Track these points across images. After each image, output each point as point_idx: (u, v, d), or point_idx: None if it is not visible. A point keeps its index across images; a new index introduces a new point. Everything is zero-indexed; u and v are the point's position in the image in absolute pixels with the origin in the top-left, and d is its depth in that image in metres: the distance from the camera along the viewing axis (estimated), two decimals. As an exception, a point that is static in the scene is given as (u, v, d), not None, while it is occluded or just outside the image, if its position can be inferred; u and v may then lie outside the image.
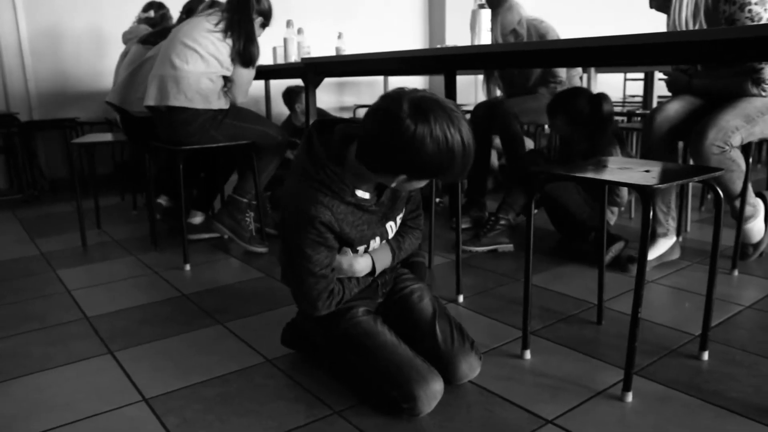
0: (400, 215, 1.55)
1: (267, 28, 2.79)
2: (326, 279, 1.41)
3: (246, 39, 2.63)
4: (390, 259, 1.55)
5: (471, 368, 1.48)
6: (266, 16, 2.72)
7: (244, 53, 2.62)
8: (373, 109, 1.27)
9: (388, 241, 1.54)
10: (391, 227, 1.52)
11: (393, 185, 1.35)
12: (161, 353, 1.73)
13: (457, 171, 1.27)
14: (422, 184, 1.37)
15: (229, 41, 2.57)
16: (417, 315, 1.53)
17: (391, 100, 1.24)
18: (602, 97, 2.56)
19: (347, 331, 1.46)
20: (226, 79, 2.63)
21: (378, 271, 1.53)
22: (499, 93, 3.54)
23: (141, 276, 2.44)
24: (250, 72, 2.70)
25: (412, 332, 1.50)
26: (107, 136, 3.27)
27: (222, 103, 2.62)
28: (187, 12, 3.06)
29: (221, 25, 2.57)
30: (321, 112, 3.44)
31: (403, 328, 1.50)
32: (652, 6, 2.32)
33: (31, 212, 3.71)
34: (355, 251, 1.47)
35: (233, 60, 2.61)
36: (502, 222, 2.63)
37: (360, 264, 1.49)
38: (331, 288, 1.43)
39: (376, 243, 1.50)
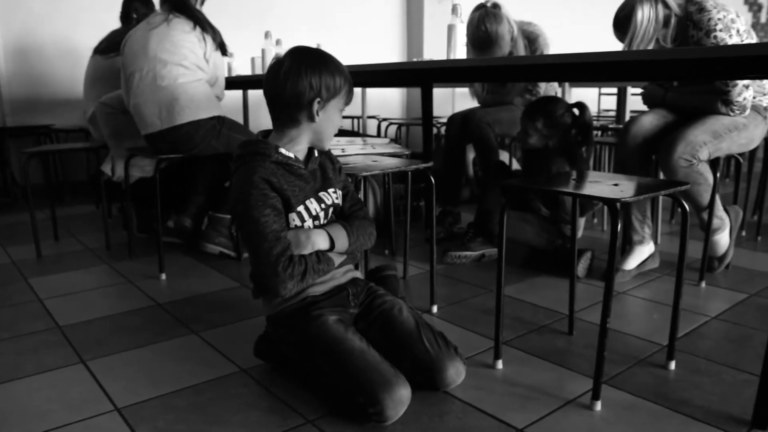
0: (334, 190, 1.63)
1: (245, 38, 2.78)
2: (280, 242, 1.45)
3: (212, 27, 2.60)
4: (345, 237, 1.57)
5: (458, 373, 1.50)
6: None
7: (222, 41, 2.61)
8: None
9: (337, 221, 1.61)
10: (326, 197, 1.60)
11: (303, 120, 1.50)
12: (134, 363, 1.73)
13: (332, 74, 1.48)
14: (336, 114, 1.54)
15: (206, 36, 2.53)
16: (401, 326, 1.54)
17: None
18: (582, 105, 2.51)
19: (317, 336, 1.47)
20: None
21: (337, 247, 1.55)
22: (475, 102, 3.55)
23: (115, 285, 2.42)
24: (225, 61, 2.66)
25: (398, 344, 1.51)
26: (61, 146, 3.25)
27: (219, 109, 2.60)
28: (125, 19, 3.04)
29: (191, 25, 2.51)
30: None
31: (388, 342, 1.51)
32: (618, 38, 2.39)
33: (2, 220, 3.66)
34: (298, 213, 1.52)
35: (207, 58, 2.56)
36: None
37: (317, 235, 1.53)
38: (288, 254, 1.46)
39: (314, 206, 1.55)
